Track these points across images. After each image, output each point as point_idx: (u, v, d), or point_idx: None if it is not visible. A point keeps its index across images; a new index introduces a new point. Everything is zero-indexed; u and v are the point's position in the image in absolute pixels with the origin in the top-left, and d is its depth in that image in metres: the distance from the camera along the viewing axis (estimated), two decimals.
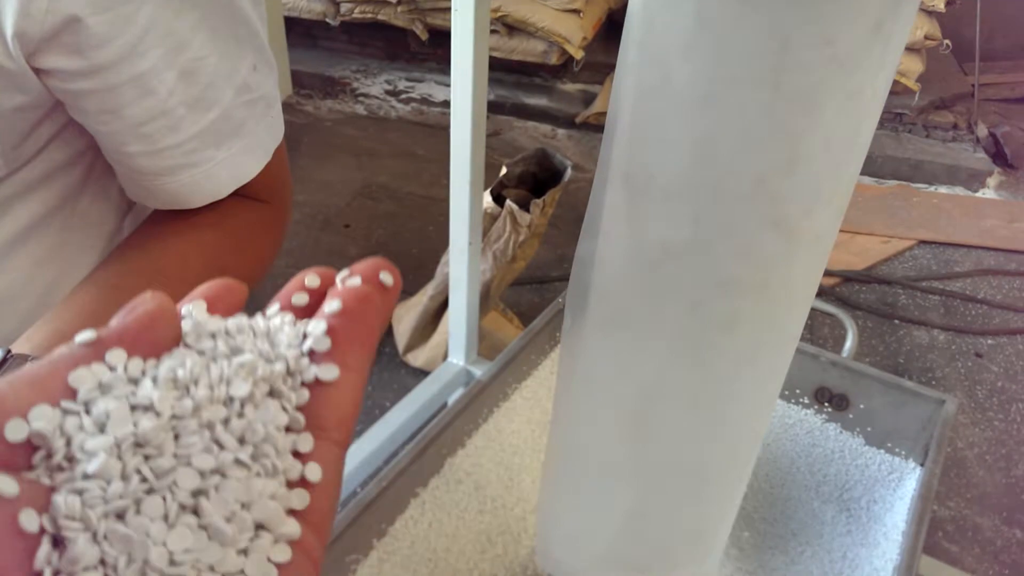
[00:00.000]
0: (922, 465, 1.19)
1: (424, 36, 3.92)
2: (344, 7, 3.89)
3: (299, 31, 4.01)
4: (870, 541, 1.16)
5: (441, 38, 3.86)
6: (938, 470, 1.08)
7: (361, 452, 1.49)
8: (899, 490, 1.22)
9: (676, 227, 0.49)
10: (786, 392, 1.30)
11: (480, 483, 1.14)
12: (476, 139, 1.40)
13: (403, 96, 3.86)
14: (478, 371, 1.71)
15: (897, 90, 3.68)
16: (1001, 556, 1.67)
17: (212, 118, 0.51)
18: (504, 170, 1.87)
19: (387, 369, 2.10)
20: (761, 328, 0.53)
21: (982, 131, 3.63)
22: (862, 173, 3.16)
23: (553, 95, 3.83)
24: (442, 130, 3.41)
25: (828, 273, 2.64)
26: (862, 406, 1.24)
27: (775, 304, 0.52)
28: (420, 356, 2.07)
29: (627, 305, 0.55)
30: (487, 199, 1.80)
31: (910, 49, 3.51)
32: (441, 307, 2.01)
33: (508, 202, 1.77)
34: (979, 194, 3.35)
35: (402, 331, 2.12)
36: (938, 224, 3.01)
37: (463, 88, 1.36)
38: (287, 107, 3.58)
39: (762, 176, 0.46)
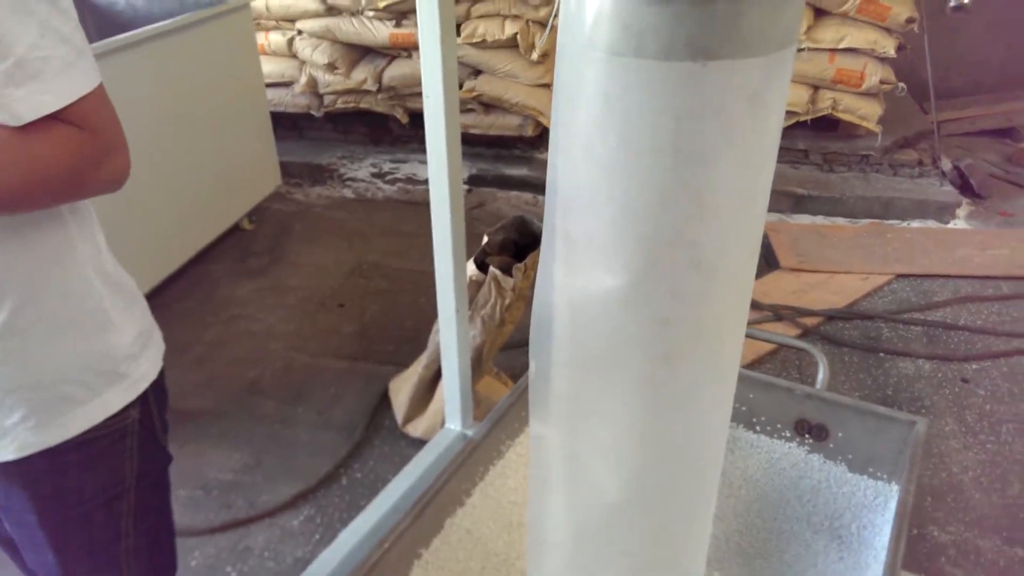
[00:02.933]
0: None
1: (405, 120, 4.09)
2: (327, 99, 4.08)
3: (286, 124, 4.19)
4: (862, 564, 1.19)
5: (422, 120, 4.02)
6: (912, 487, 1.13)
7: (366, 524, 1.52)
8: (886, 513, 1.27)
9: (612, 274, 0.56)
10: (768, 427, 1.36)
11: (481, 540, 1.19)
12: (455, 210, 1.49)
13: (389, 177, 4.01)
14: None
15: (860, 133, 3.83)
16: None
17: (8, 65, 0.72)
18: (485, 239, 1.96)
19: (387, 443, 2.14)
20: (697, 361, 0.60)
21: (947, 165, 3.76)
22: (835, 215, 3.25)
23: (532, 164, 3.98)
24: (428, 206, 3.51)
25: (811, 313, 2.71)
26: (840, 434, 1.30)
27: (706, 338, 0.59)
28: (419, 426, 2.11)
29: (582, 348, 0.62)
30: (471, 268, 1.88)
31: (868, 94, 3.68)
32: (436, 376, 2.07)
33: (491, 268, 1.86)
34: (950, 225, 3.46)
35: (400, 403, 2.17)
36: (913, 257, 3.10)
37: (439, 165, 1.46)
38: (278, 196, 3.72)
39: (677, 226, 0.53)
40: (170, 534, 1.10)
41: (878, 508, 1.27)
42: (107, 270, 0.93)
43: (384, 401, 2.28)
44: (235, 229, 3.36)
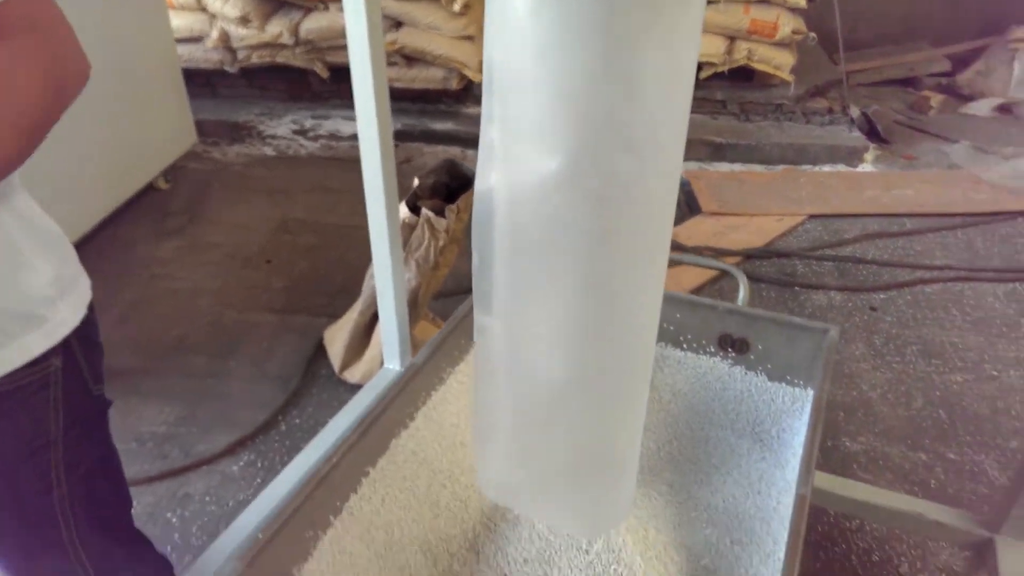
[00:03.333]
0: None
1: (325, 74, 3.99)
2: (241, 53, 3.94)
3: (199, 81, 4.02)
4: (782, 462, 1.29)
5: (343, 74, 3.94)
6: (827, 387, 1.22)
7: (309, 459, 1.53)
8: (803, 416, 1.36)
9: (549, 156, 0.59)
10: (694, 344, 1.43)
11: (426, 460, 1.22)
12: (384, 143, 1.48)
13: (311, 134, 3.92)
14: None
15: (774, 83, 3.97)
16: (910, 477, 1.84)
17: None
18: (416, 181, 1.96)
19: (325, 390, 2.14)
20: (631, 241, 0.64)
21: (855, 112, 3.94)
22: (752, 161, 3.37)
23: (459, 119, 3.96)
24: (353, 162, 3.41)
25: (731, 253, 2.83)
26: (760, 347, 1.38)
27: (638, 217, 0.63)
28: (357, 372, 2.12)
29: (522, 236, 0.65)
30: (404, 210, 1.89)
31: (781, 45, 3.80)
32: (371, 321, 2.08)
33: (424, 210, 1.86)
34: (859, 169, 3.64)
35: (336, 351, 2.17)
36: (825, 199, 3.26)
37: (365, 96, 1.43)
38: (194, 155, 3.59)
39: (609, 106, 0.57)
40: (113, 479, 1.08)
41: (796, 412, 1.36)
42: (19, 208, 0.89)
43: (319, 352, 2.27)
44: (150, 189, 3.24)
